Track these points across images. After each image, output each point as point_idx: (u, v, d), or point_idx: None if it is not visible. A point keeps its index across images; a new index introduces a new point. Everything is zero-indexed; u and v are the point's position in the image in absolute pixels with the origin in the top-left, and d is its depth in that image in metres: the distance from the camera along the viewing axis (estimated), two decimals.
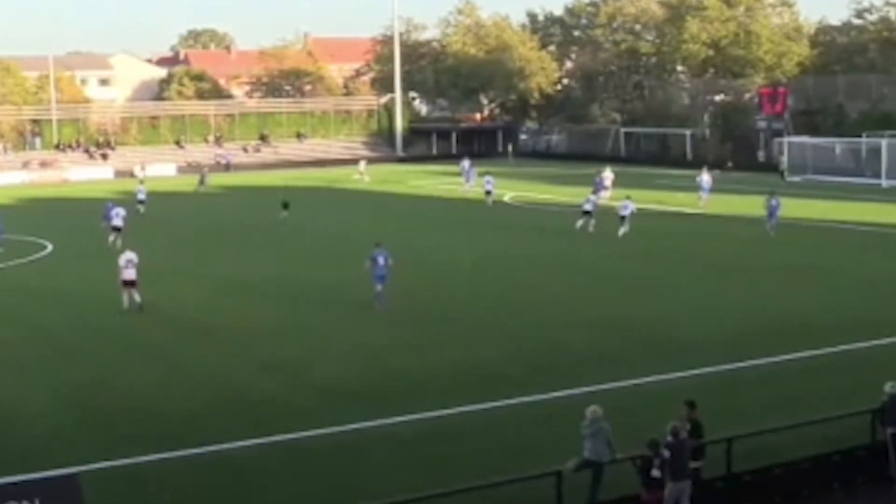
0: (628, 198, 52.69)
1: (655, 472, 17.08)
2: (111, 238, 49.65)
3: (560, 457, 17.96)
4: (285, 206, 61.19)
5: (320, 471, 20.66)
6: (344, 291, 38.00)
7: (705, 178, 63.85)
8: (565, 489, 17.25)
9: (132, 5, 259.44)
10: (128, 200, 60.28)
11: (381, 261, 35.07)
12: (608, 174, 68.96)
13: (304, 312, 35.37)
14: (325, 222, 59.27)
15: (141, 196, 65.14)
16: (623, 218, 51.11)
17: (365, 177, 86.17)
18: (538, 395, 24.98)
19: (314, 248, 49.95)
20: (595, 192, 61.51)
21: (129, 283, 35.60)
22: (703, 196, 62.93)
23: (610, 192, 64.54)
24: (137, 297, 35.46)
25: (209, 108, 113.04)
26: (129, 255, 36.05)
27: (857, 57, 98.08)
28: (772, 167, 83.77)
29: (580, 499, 17.60)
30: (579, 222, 53.18)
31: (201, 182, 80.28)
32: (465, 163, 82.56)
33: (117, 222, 50.68)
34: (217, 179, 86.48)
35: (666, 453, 17.06)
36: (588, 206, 53.46)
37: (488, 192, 67.44)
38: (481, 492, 17.30)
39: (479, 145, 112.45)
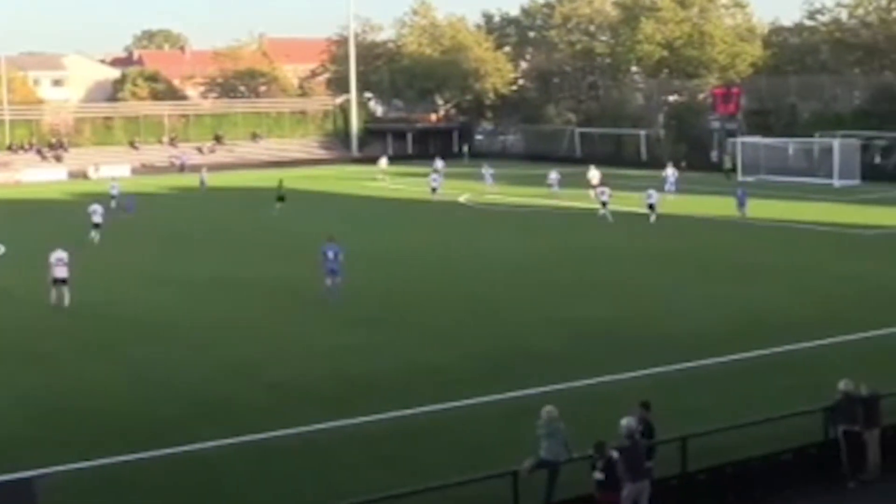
0: (653, 188, 58.73)
1: (598, 475, 17.15)
2: (91, 234, 51.25)
3: (519, 457, 18.02)
4: (281, 198, 63.99)
5: (280, 471, 20.60)
6: (304, 291, 37.98)
7: (670, 171, 68.14)
8: (521, 489, 17.32)
9: (86, 5, 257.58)
10: (84, 202, 59.95)
11: (330, 255, 35.86)
12: (594, 173, 69.51)
13: (264, 312, 35.27)
14: (283, 222, 59.11)
15: (114, 192, 66.96)
16: (651, 206, 56.34)
17: (385, 178, 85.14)
18: (497, 394, 25.03)
19: (272, 247, 49.81)
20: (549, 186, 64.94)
21: (61, 281, 35.89)
22: (670, 191, 65.72)
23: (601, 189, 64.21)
24: (67, 297, 35.72)
25: (163, 108, 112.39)
26: (59, 254, 36.38)
27: (809, 58, 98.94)
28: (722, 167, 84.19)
29: (536, 499, 17.69)
30: (601, 212, 57.54)
31: (201, 183, 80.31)
32: (439, 163, 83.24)
33: (97, 219, 52.20)
34: (171, 181, 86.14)
35: (614, 454, 17.11)
36: (604, 198, 58.22)
37: (434, 189, 70.41)
38: (439, 492, 17.34)
39: (434, 146, 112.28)
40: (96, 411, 24.51)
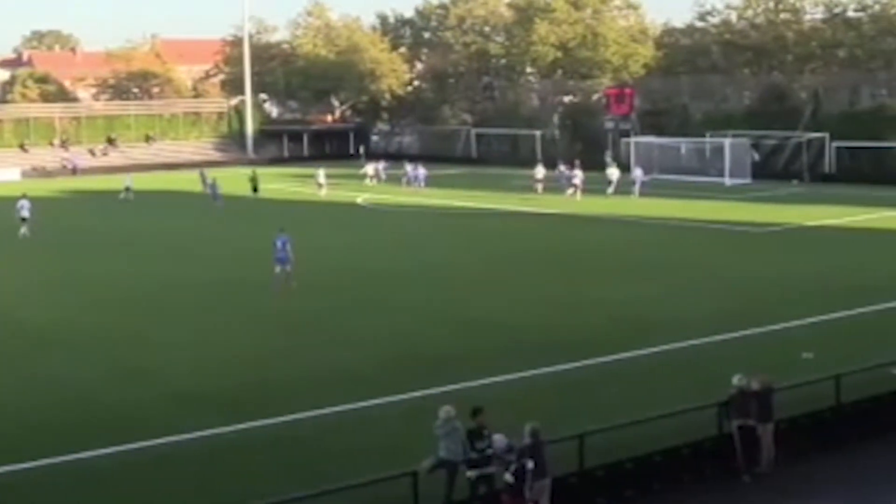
0: (614, 164, 71.94)
1: (508, 478, 17.20)
2: (21, 230, 53.74)
3: (420, 457, 18.02)
4: (255, 189, 69.79)
5: (180, 478, 20.37)
6: (204, 296, 37.85)
7: (562, 168, 72.30)
8: (421, 489, 17.32)
9: None
10: None
11: (278, 244, 38.67)
12: (540, 170, 72.17)
13: (162, 318, 34.84)
14: (179, 226, 58.50)
15: (128, 182, 72.75)
16: (610, 183, 68.27)
17: (374, 180, 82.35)
18: (397, 395, 24.99)
19: (172, 252, 49.25)
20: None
21: None
22: (572, 188, 67.74)
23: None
24: None
25: (54, 110, 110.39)
26: None
27: (700, 59, 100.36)
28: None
29: (437, 499, 17.70)
30: (569, 191, 66.83)
31: (203, 182, 78.12)
32: (380, 164, 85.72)
33: (24, 214, 54.45)
34: (63, 184, 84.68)
35: (530, 464, 17.15)
36: (576, 181, 67.05)
37: (320, 185, 73.75)
38: (338, 494, 17.24)
39: (330, 147, 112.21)
40: None
